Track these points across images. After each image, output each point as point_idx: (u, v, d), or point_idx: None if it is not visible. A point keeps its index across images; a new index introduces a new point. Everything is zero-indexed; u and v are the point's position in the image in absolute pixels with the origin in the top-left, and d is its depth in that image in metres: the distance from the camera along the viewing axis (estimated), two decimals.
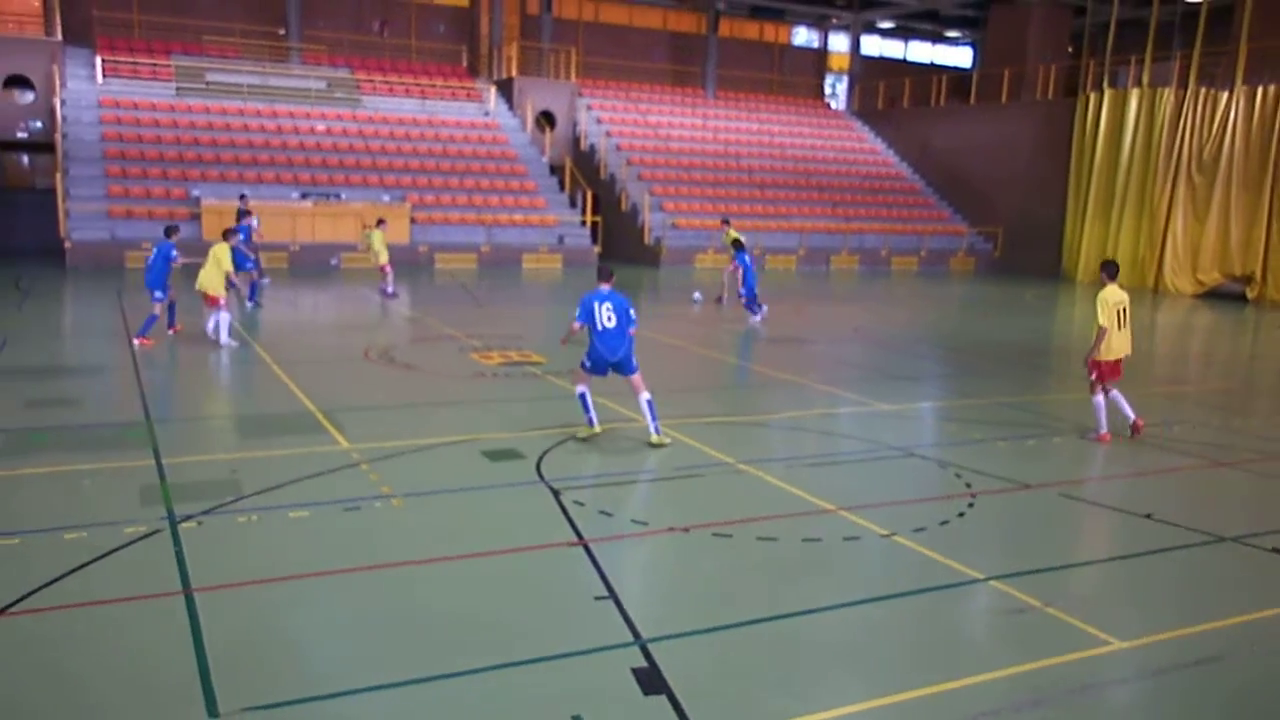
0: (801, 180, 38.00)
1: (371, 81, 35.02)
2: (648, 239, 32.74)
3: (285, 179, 29.28)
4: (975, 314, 22.25)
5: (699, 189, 35.64)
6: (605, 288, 9.79)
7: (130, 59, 31.64)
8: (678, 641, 5.43)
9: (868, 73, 45.89)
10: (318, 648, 5.29)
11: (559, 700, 4.80)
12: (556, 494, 7.95)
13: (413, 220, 29.59)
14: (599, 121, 37.56)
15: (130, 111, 30.21)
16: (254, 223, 21.79)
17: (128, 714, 4.56)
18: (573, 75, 37.63)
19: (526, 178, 33.33)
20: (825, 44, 47.53)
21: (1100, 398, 10.42)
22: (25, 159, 33.06)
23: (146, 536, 6.71)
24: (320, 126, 32.19)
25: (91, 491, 7.71)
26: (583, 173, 35.25)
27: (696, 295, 22.39)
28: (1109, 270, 10.31)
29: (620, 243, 33.68)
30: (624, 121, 38.17)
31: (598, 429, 9.85)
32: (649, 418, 9.72)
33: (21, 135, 29.76)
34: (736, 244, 20.88)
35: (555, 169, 34.98)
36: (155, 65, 31.89)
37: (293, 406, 10.81)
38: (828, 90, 47.86)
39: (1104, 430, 10.41)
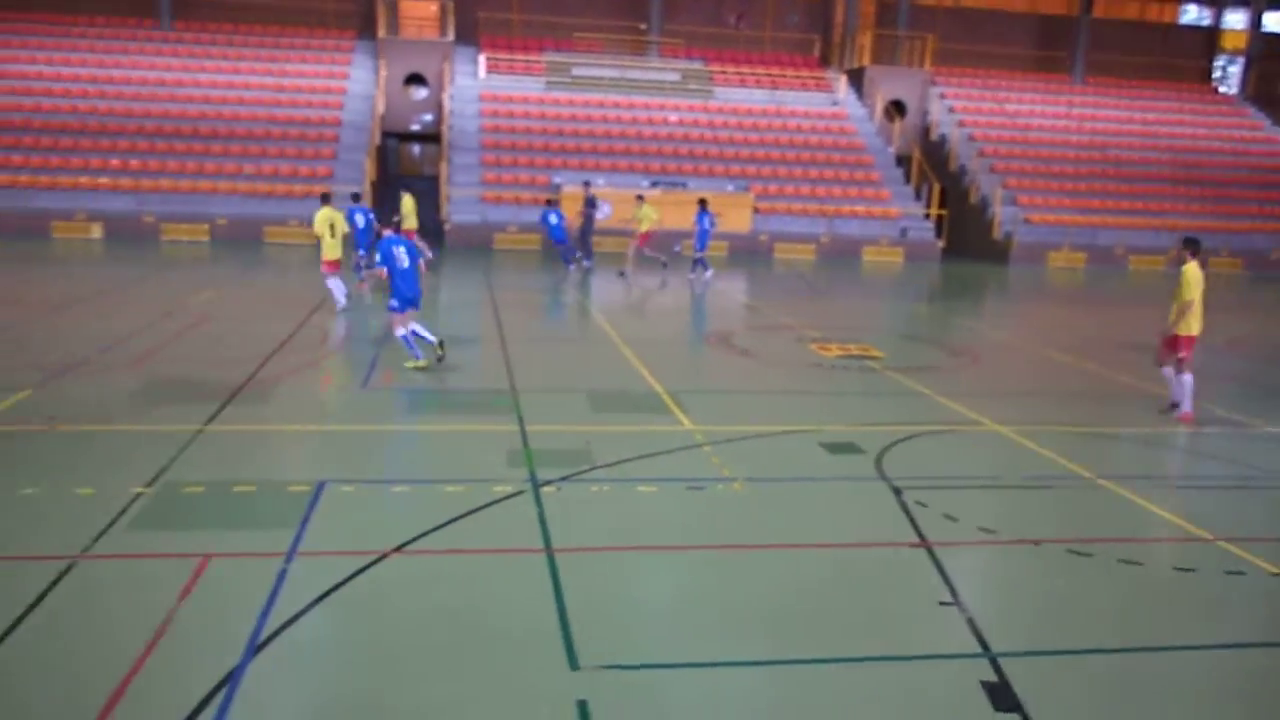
0: (1179, 173, 34.52)
1: (724, 73, 35.83)
2: (997, 234, 31.14)
3: (637, 168, 30.68)
4: None
5: (1057, 182, 33.38)
6: (391, 233, 11.51)
7: (509, 56, 34.47)
8: (1031, 660, 5.14)
9: (1268, 53, 40.71)
10: (664, 618, 5.53)
11: (902, 703, 4.70)
12: (898, 492, 7.77)
13: (755, 210, 30.00)
14: (952, 110, 36.15)
15: (505, 105, 32.92)
16: (605, 209, 23.38)
17: (499, 653, 5.00)
18: (927, 63, 36.43)
19: (871, 168, 32.76)
20: (1218, 21, 42.70)
21: (1190, 376, 10.69)
22: (416, 149, 37.03)
23: (512, 496, 7.32)
24: (673, 117, 33.40)
25: (467, 451, 8.51)
26: (931, 164, 34.12)
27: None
28: (1192, 247, 10.64)
29: (966, 237, 32.29)
30: (979, 111, 36.48)
31: (424, 362, 11.43)
32: (411, 347, 11.39)
33: (415, 128, 33.34)
34: (589, 202, 23.98)
35: (902, 160, 34.11)
36: (529, 61, 34.50)
37: (639, 385, 11.32)
38: (1216, 73, 43.03)
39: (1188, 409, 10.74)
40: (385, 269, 11.43)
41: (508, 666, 4.88)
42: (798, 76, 36.34)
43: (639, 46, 36.10)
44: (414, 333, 11.52)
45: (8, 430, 8.51)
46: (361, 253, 18.12)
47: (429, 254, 22.66)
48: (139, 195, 27.23)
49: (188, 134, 29.47)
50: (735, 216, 29.60)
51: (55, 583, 5.53)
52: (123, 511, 6.66)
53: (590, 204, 24.32)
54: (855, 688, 4.85)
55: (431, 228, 30.30)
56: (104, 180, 27.35)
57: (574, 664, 4.86)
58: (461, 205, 28.91)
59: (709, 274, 22.44)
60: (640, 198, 23.57)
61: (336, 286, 15.67)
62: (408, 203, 22.94)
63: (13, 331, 12.89)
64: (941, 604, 5.77)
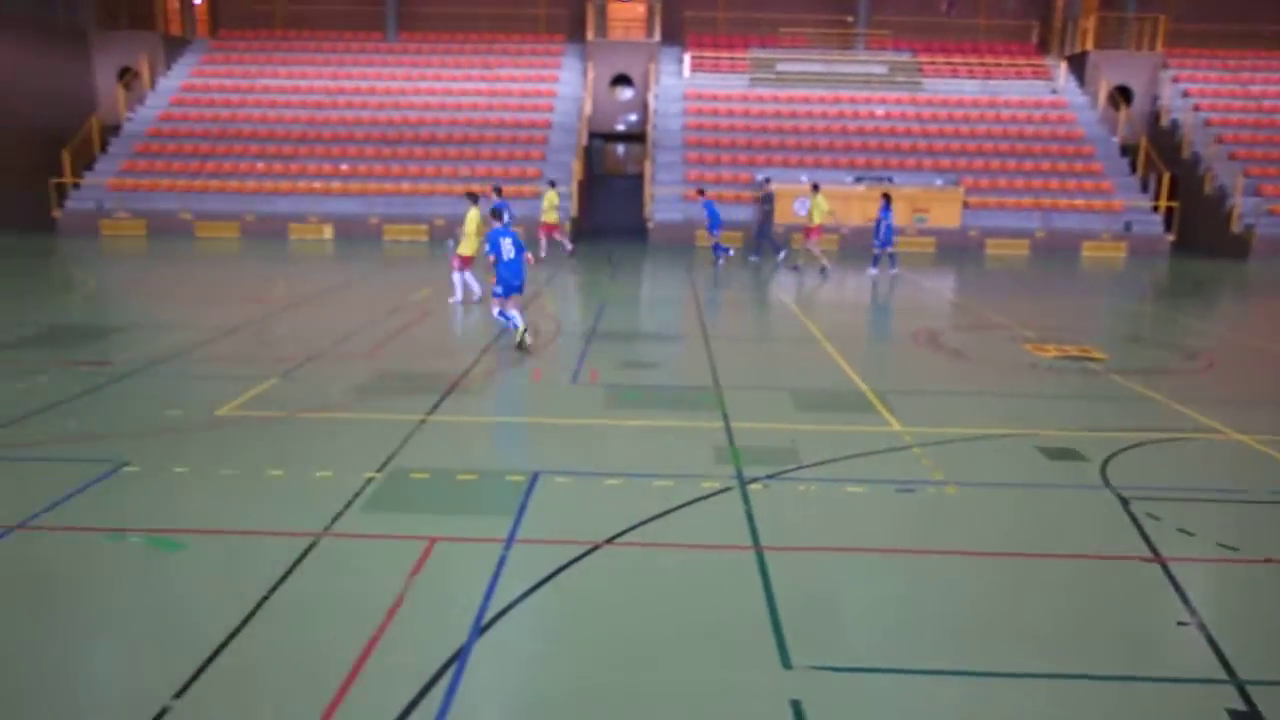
0: None
1: (934, 63, 34.74)
2: (1235, 226, 28.80)
3: (841, 163, 30.20)
4: None
5: None
6: (500, 225, 12.41)
7: (714, 54, 34.64)
8: None
9: None
10: (876, 621, 5.42)
11: None
12: (1125, 503, 7.33)
13: (965, 204, 28.94)
14: (1185, 95, 33.66)
15: (710, 103, 33.09)
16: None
17: (711, 647, 5.04)
18: (1158, 45, 34.07)
19: (1092, 159, 30.97)
20: None
21: None
22: (620, 149, 37.76)
23: (720, 493, 7.37)
24: (879, 111, 32.66)
25: (674, 446, 8.62)
26: (1160, 153, 31.89)
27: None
28: None
29: (1199, 230, 30.06)
30: (1217, 94, 33.80)
31: (522, 327, 12.43)
32: (509, 320, 12.53)
33: (620, 128, 34.03)
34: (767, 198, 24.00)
35: (1127, 149, 32.06)
36: (734, 59, 34.56)
37: (843, 384, 11.15)
38: None
39: None
40: (493, 256, 12.44)
41: (720, 661, 4.92)
42: (1013, 64, 34.79)
43: (845, 39, 35.51)
44: (504, 315, 12.65)
45: (256, 416, 9.27)
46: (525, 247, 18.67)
47: (542, 253, 23.45)
48: (365, 198, 29.05)
49: (409, 139, 31.20)
50: (944, 211, 28.68)
51: (302, 557, 6.00)
52: (357, 494, 7.13)
53: (767, 200, 24.52)
54: (1085, 708, 4.61)
55: (634, 226, 30.89)
56: (335, 185, 29.33)
57: (786, 663, 4.85)
58: (664, 204, 29.30)
59: (893, 270, 22.49)
60: (815, 187, 23.32)
61: (471, 280, 16.46)
62: (551, 197, 23.57)
63: (257, 326, 14.02)
64: (1179, 624, 5.40)
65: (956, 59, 35.05)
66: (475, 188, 19.05)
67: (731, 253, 24.28)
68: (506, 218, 12.67)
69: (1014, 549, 6.46)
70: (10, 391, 9.96)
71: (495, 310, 12.74)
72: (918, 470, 8.05)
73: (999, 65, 34.64)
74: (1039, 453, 8.61)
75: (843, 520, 6.92)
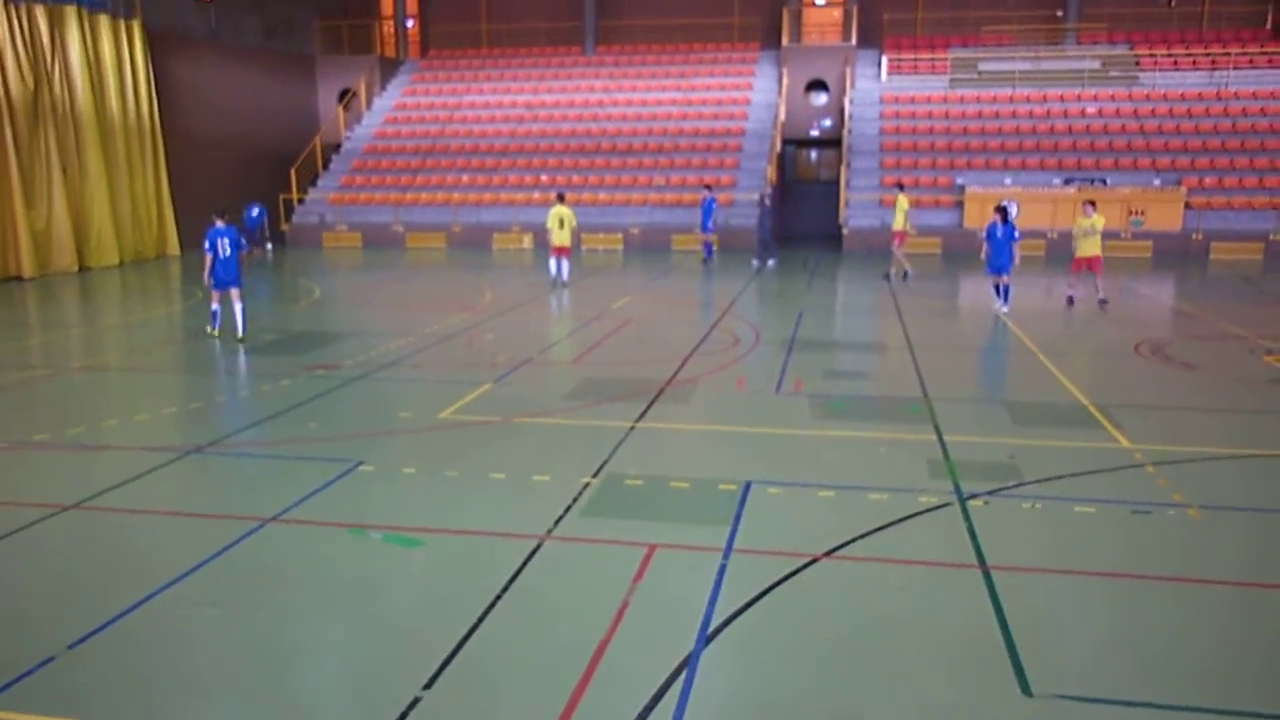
0: None
1: (1152, 56, 32.65)
2: None
3: (1049, 165, 28.85)
4: None
5: None
6: (221, 224, 13.57)
7: (912, 56, 33.80)
8: None
9: None
10: (1115, 650, 5.12)
11: None
12: None
13: (1187, 205, 27.06)
14: None
15: (907, 106, 32.29)
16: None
17: (942, 667, 4.90)
18: None
19: None
20: None
21: None
22: (813, 155, 37.36)
23: (938, 508, 7.16)
24: (1090, 109, 31.01)
25: (886, 458, 8.45)
26: None
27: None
28: None
29: None
30: None
31: (216, 332, 13.92)
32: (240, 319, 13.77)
33: (813, 133, 33.66)
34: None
35: None
36: (934, 60, 33.60)
37: (1062, 398, 10.64)
38: None
39: None
40: (210, 255, 13.48)
41: (956, 682, 4.77)
42: (1243, 54, 32.25)
43: (1054, 35, 33.89)
44: (215, 311, 13.91)
45: (474, 420, 9.69)
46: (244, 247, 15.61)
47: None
48: None
49: (606, 150, 31.88)
50: (1162, 213, 26.92)
51: (529, 559, 6.22)
52: (575, 499, 7.34)
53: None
54: None
55: (828, 232, 30.46)
56: (535, 195, 30.29)
57: (1026, 689, 4.66)
58: (859, 209, 28.79)
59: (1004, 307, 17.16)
60: (900, 186, 22.56)
61: (562, 266, 19.66)
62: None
63: (468, 334, 14.64)
64: None
65: (1178, 50, 32.83)
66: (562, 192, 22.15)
67: (713, 253, 25.28)
68: (227, 221, 13.76)
69: (1268, 579, 5.98)
70: (260, 393, 10.80)
71: (212, 304, 13.85)
72: (1154, 491, 7.58)
73: (1227, 55, 32.18)
74: None
75: (1074, 542, 6.58)
